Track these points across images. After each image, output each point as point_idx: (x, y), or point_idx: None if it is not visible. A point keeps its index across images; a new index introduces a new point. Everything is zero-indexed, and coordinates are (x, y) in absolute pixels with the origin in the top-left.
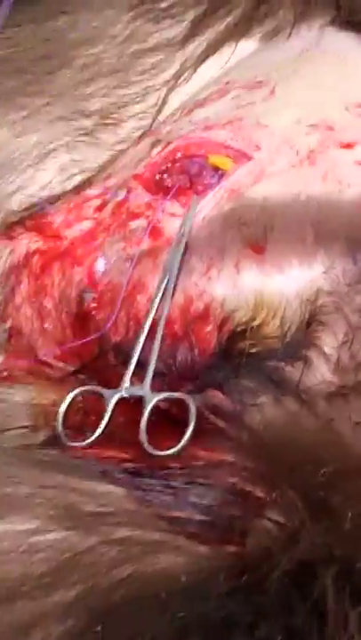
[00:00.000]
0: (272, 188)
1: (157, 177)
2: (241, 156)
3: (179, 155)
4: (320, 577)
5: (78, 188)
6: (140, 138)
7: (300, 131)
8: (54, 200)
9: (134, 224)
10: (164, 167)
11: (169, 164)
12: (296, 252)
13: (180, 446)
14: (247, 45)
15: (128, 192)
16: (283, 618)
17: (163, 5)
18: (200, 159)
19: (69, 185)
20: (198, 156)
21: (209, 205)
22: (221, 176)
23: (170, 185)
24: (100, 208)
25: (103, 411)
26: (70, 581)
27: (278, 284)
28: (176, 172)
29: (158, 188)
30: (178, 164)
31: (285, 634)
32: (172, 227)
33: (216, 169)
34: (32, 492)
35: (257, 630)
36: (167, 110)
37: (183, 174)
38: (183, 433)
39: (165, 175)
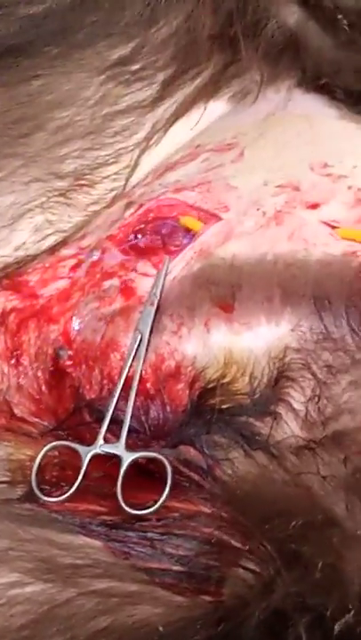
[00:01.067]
0: (240, 247)
1: (131, 238)
2: (210, 217)
3: (151, 216)
4: (294, 625)
5: (53, 248)
6: (114, 199)
7: (268, 192)
8: (30, 260)
9: (107, 283)
10: (137, 228)
11: (142, 225)
12: (264, 311)
13: (157, 505)
14: (216, 107)
15: (103, 252)
16: None
17: (133, 68)
18: (172, 220)
19: (44, 245)
20: (170, 218)
21: (179, 265)
22: (192, 237)
23: (143, 245)
24: (74, 268)
25: (79, 465)
26: (49, 633)
27: (247, 342)
28: (149, 232)
29: (132, 248)
30: (150, 225)
31: None
32: (144, 286)
33: (187, 230)
34: (10, 545)
35: None
36: (140, 172)
37: (156, 235)
38: (158, 486)
39: (139, 236)
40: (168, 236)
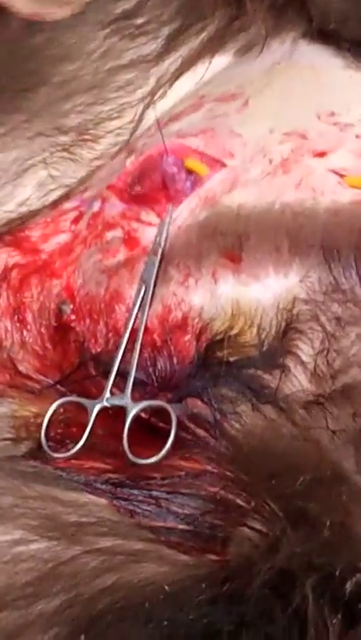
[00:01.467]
0: (247, 196)
1: (131, 184)
2: (215, 163)
3: (152, 160)
4: (300, 585)
5: (55, 202)
6: (117, 153)
7: (274, 139)
8: (32, 215)
9: (110, 235)
10: (137, 174)
11: (142, 170)
12: (272, 261)
13: (162, 453)
14: (221, 60)
15: (103, 202)
16: (264, 626)
17: (138, 22)
18: (174, 163)
19: (47, 200)
20: (172, 161)
21: (184, 214)
22: (195, 182)
23: (143, 191)
24: (76, 220)
25: (84, 422)
26: (54, 591)
27: (255, 293)
28: (150, 177)
29: (132, 196)
30: (151, 169)
31: None
32: (147, 236)
33: (191, 173)
34: (14, 502)
35: (239, 638)
36: (144, 127)
37: (157, 179)
38: (164, 442)
39: (138, 181)
40: (170, 178)
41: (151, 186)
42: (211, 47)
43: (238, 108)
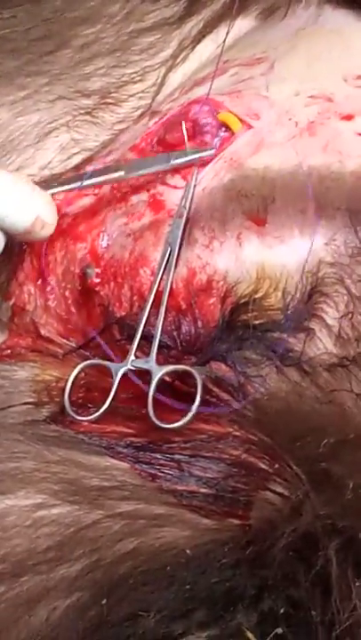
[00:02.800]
0: (272, 158)
1: (154, 143)
2: (241, 123)
3: (178, 115)
4: (323, 548)
5: (78, 166)
6: (140, 117)
7: (300, 102)
8: (55, 179)
9: (135, 198)
10: (162, 131)
11: (167, 127)
12: (297, 224)
13: (188, 417)
14: (244, 24)
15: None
16: (286, 589)
17: None
18: (209, 112)
19: (70, 164)
20: (207, 109)
21: (209, 176)
22: (224, 140)
23: (171, 140)
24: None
25: (106, 386)
26: (75, 555)
27: (280, 256)
28: (175, 132)
29: (160, 145)
30: (177, 124)
31: (289, 605)
32: (172, 199)
33: (224, 127)
34: (36, 467)
35: (261, 602)
36: (166, 90)
37: (182, 134)
38: (187, 406)
39: (163, 137)
40: (201, 129)
41: (177, 142)
42: (233, 10)
43: (264, 71)
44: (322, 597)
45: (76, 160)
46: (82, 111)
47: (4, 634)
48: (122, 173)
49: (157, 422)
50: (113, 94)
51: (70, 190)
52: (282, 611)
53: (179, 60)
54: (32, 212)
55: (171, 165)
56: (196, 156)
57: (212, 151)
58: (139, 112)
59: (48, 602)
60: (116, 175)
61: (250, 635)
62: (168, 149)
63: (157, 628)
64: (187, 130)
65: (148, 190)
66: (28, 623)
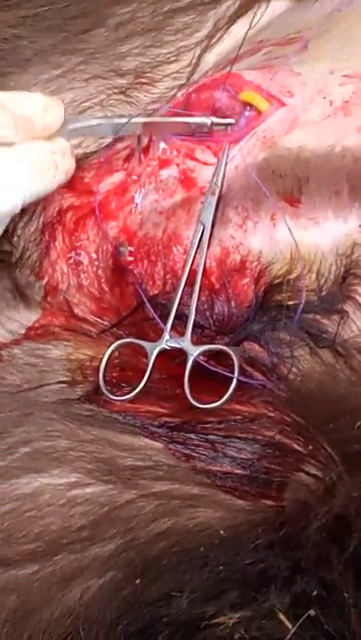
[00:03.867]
0: (306, 137)
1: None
2: (272, 100)
3: (205, 88)
4: (357, 530)
5: (110, 145)
6: (174, 97)
7: (334, 81)
8: (86, 157)
9: (165, 173)
10: (188, 102)
11: (194, 100)
12: (331, 205)
13: (225, 398)
14: (278, 5)
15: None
16: (319, 571)
17: None
18: (231, 91)
19: (104, 143)
20: (226, 91)
21: (241, 153)
22: (251, 119)
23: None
24: (128, 158)
25: (140, 366)
26: (109, 535)
27: (314, 238)
28: (201, 106)
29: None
30: (204, 99)
31: (322, 587)
32: (204, 176)
33: (247, 106)
34: (71, 445)
35: (294, 584)
36: (201, 70)
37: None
38: (220, 387)
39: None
40: (224, 110)
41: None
42: None
43: (297, 50)
44: (355, 580)
45: (110, 139)
46: (116, 90)
47: (38, 612)
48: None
49: (194, 402)
50: (147, 74)
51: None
52: (315, 593)
53: (214, 40)
54: None
55: (191, 130)
56: (216, 120)
57: (232, 120)
58: (173, 92)
59: (82, 581)
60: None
61: (282, 616)
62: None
63: (190, 609)
64: (208, 110)
65: (177, 165)
66: (62, 602)
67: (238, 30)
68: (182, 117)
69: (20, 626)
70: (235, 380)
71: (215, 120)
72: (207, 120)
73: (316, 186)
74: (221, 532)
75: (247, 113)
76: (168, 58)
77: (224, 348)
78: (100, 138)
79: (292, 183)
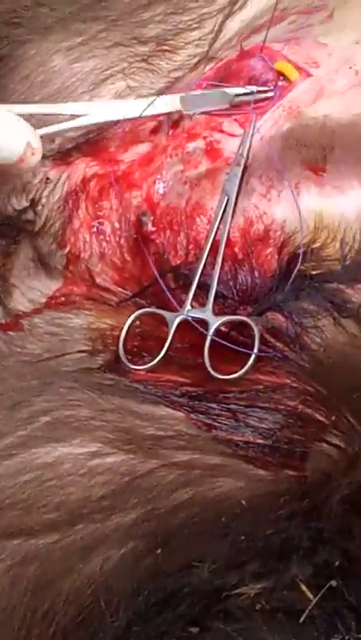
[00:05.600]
0: (332, 107)
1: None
2: (299, 71)
3: (235, 61)
4: None
5: None
6: (197, 65)
7: (360, 51)
8: (110, 126)
9: (192, 145)
10: (218, 77)
11: (224, 73)
12: (356, 174)
13: (245, 369)
14: None
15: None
16: (341, 542)
17: None
18: (265, 62)
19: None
20: (263, 59)
21: (267, 124)
22: (281, 89)
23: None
24: (155, 131)
25: (161, 336)
26: (130, 504)
27: (338, 206)
28: (232, 80)
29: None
30: (235, 71)
31: (344, 558)
32: (230, 147)
33: (280, 76)
34: (91, 415)
35: (316, 554)
36: (223, 37)
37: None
38: (241, 357)
39: (222, 79)
40: (258, 79)
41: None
42: None
43: (322, 19)
44: None
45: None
46: (138, 58)
47: (59, 582)
48: (179, 108)
49: (214, 373)
50: (169, 41)
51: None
52: (337, 563)
53: (236, 7)
54: (22, 139)
55: (230, 101)
56: (256, 89)
57: (272, 93)
58: (195, 60)
59: (102, 550)
60: (174, 110)
61: (304, 587)
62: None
63: (211, 579)
64: (243, 81)
65: (204, 138)
66: (82, 571)
67: None
68: (226, 87)
69: (41, 595)
70: (255, 352)
71: (259, 88)
72: (252, 89)
73: (341, 154)
74: (243, 502)
75: (280, 83)
76: (190, 25)
77: (245, 318)
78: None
79: (316, 152)
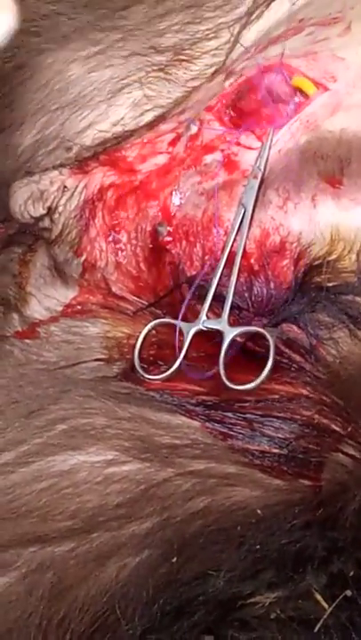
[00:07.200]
0: (349, 120)
1: (230, 104)
2: (317, 86)
3: (254, 79)
4: None
5: (152, 124)
6: (214, 74)
7: None
8: (127, 135)
9: (209, 157)
10: (237, 94)
11: (243, 90)
12: None
13: (259, 380)
14: None
15: (201, 125)
16: (356, 552)
17: None
18: (283, 78)
19: (142, 121)
20: (280, 76)
21: (285, 138)
22: (299, 104)
23: (243, 113)
24: (173, 142)
25: (177, 345)
26: (146, 513)
27: (355, 219)
28: (250, 96)
29: (231, 117)
30: (253, 88)
31: (359, 568)
32: (247, 160)
33: (297, 92)
34: (108, 423)
35: (331, 564)
36: (240, 47)
37: (258, 98)
38: (258, 367)
39: (239, 101)
40: (276, 96)
41: (252, 107)
42: None
43: (340, 32)
44: None
45: (149, 117)
46: (155, 67)
47: (74, 590)
48: None
49: (229, 384)
50: (186, 51)
51: None
52: (351, 573)
53: (253, 17)
54: None
55: None
56: None
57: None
58: (212, 69)
59: (118, 559)
60: None
61: (319, 597)
62: (242, 117)
63: (226, 588)
64: (261, 97)
65: (222, 150)
66: (98, 579)
67: (279, 7)
68: None
69: (57, 603)
70: (269, 364)
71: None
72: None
73: (358, 167)
74: (258, 511)
75: (296, 99)
76: (207, 35)
77: (260, 329)
78: (138, 115)
79: (333, 165)
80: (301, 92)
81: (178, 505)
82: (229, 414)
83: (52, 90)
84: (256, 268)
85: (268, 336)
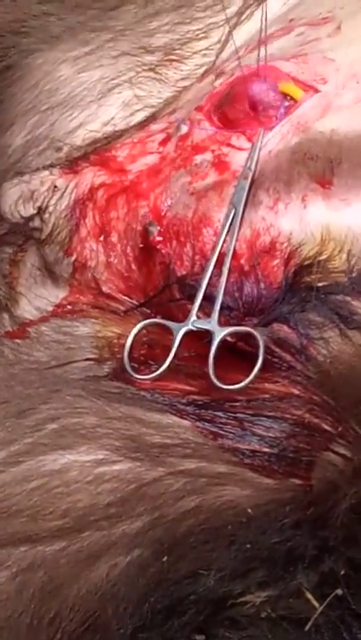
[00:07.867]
0: (339, 121)
1: (219, 105)
2: (307, 89)
3: (243, 80)
4: None
5: (142, 124)
6: (204, 74)
7: None
8: (118, 135)
9: (199, 158)
10: (226, 95)
11: (232, 92)
12: None
13: (248, 380)
14: None
15: (191, 125)
16: (347, 551)
17: None
18: (269, 84)
19: (133, 121)
20: (265, 84)
21: (275, 139)
22: (289, 108)
23: (232, 115)
24: (164, 142)
25: (168, 344)
26: (136, 512)
27: (345, 219)
28: (240, 98)
29: (221, 118)
30: (242, 91)
31: (350, 567)
32: (237, 160)
33: (285, 97)
34: (98, 422)
35: (321, 563)
36: (230, 47)
37: (247, 100)
38: (249, 367)
39: (228, 103)
40: (263, 102)
41: (242, 109)
42: None
43: (330, 32)
44: None
45: (139, 117)
46: (145, 67)
47: (65, 589)
48: None
49: (218, 384)
50: (177, 51)
51: None
52: (342, 572)
53: (243, 17)
54: None
55: None
56: None
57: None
58: (202, 69)
59: (109, 558)
60: None
61: (310, 595)
62: (227, 125)
63: (217, 587)
64: (248, 105)
65: (212, 151)
66: (89, 579)
67: (269, 6)
68: None
69: (47, 602)
70: (258, 364)
71: None
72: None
73: (348, 168)
74: (249, 510)
75: (286, 103)
76: (198, 35)
77: (250, 329)
78: (129, 115)
79: (324, 165)
80: (289, 96)
81: (168, 504)
82: (220, 414)
83: (42, 90)
84: (246, 268)
85: (258, 336)
